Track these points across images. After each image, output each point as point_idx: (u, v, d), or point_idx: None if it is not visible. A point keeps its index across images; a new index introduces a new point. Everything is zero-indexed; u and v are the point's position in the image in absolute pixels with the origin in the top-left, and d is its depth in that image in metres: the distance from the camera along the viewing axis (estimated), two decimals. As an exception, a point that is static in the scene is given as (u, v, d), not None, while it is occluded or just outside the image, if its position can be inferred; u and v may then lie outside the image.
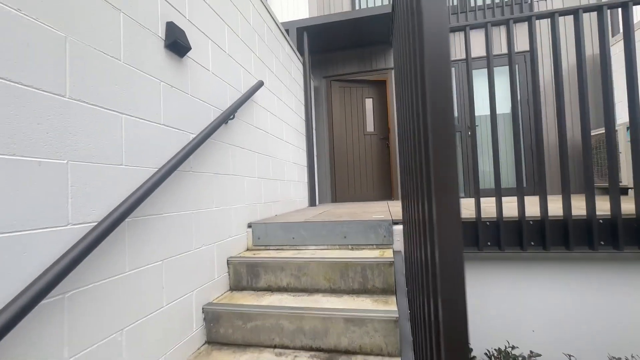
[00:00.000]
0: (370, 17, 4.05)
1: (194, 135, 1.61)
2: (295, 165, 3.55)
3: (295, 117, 3.70)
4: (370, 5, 5.08)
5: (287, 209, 3.15)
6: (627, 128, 3.35)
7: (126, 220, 1.13)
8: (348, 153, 4.98)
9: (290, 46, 3.62)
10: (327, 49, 4.87)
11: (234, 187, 2.03)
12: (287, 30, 3.99)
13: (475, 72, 4.52)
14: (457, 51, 4.58)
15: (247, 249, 2.16)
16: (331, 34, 4.43)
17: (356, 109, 5.03)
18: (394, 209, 2.83)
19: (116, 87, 1.16)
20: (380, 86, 5.09)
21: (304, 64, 4.12)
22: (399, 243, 1.98)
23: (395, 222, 2.00)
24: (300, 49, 4.12)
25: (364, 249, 2.00)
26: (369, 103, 5.07)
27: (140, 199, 1.16)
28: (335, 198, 4.89)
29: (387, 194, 5.01)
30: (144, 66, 1.31)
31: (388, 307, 1.52)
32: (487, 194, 4.46)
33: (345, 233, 2.04)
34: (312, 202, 4.04)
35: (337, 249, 2.04)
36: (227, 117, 1.87)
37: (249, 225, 2.19)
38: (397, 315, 1.41)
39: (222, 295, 1.79)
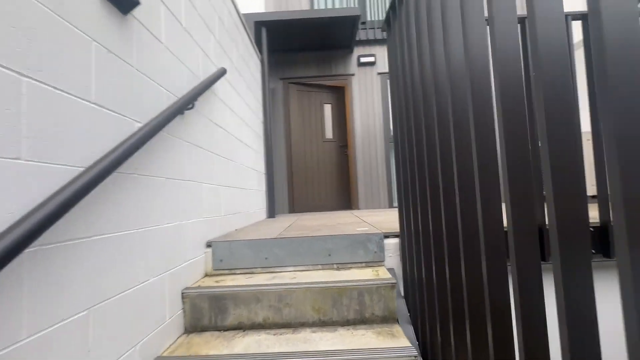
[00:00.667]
0: (333, 19, 3.89)
1: (140, 125, 1.17)
2: (254, 171, 3.14)
3: (254, 117, 3.31)
4: (330, 6, 4.95)
5: (247, 222, 2.73)
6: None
7: (26, 250, 0.67)
8: (307, 160, 4.70)
9: (250, 39, 3.25)
10: (285, 49, 4.58)
11: (190, 196, 1.58)
12: (244, 23, 3.61)
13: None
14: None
15: (207, 275, 1.71)
16: (291, 33, 4.16)
17: (315, 114, 4.80)
18: (370, 219, 2.60)
19: (14, 30, 0.71)
20: (339, 92, 4.95)
21: (262, 62, 3.76)
22: (391, 259, 1.73)
23: (387, 235, 1.76)
24: (258, 46, 3.75)
25: (351, 267, 1.71)
26: (327, 109, 4.88)
27: (55, 214, 0.71)
28: (293, 208, 4.55)
29: (346, 204, 4.83)
30: (67, 12, 0.86)
31: (398, 341, 1.24)
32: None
33: (329, 250, 1.73)
34: (270, 214, 3.64)
35: (320, 269, 1.71)
36: (185, 105, 1.44)
37: (209, 245, 1.75)
38: (415, 353, 1.14)
39: (175, 342, 1.33)
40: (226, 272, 1.72)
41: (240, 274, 1.71)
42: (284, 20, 3.78)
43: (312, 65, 4.66)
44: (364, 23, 4.62)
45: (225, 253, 1.72)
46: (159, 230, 1.27)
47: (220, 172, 2.07)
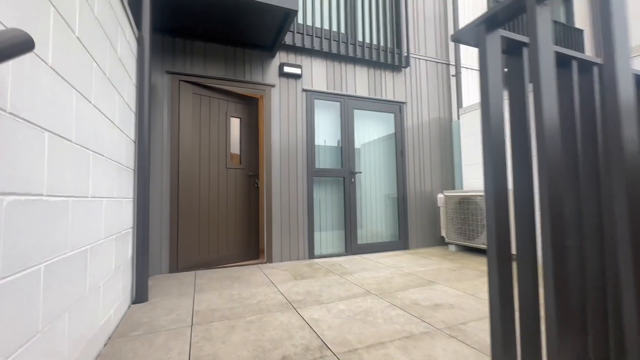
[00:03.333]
0: (261, 5, 2.78)
1: None
2: (113, 240, 1.71)
3: (119, 137, 1.86)
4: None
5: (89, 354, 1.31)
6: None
7: None
8: (202, 194, 3.33)
9: (120, -3, 1.83)
10: (179, 30, 3.16)
11: None
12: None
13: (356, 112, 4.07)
14: (345, 84, 3.99)
15: None
16: (192, 8, 2.82)
17: (216, 130, 3.50)
18: (321, 316, 1.57)
19: None
20: (252, 105, 3.80)
21: (140, 42, 2.31)
22: None
23: None
24: (135, 15, 2.29)
25: None
26: (235, 124, 3.65)
27: None
28: (177, 264, 3.09)
29: (253, 253, 3.68)
30: None
31: None
32: (372, 249, 3.97)
33: None
34: (139, 294, 2.18)
35: None
36: None
37: None
38: None
39: None
40: None
41: None
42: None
43: (218, 62, 3.36)
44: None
45: None
46: None
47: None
